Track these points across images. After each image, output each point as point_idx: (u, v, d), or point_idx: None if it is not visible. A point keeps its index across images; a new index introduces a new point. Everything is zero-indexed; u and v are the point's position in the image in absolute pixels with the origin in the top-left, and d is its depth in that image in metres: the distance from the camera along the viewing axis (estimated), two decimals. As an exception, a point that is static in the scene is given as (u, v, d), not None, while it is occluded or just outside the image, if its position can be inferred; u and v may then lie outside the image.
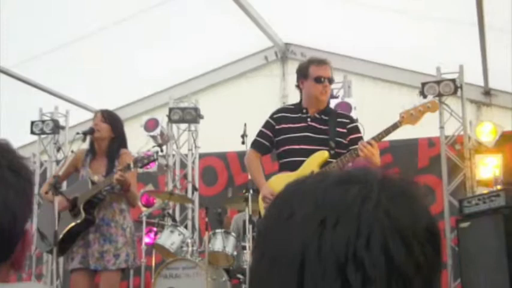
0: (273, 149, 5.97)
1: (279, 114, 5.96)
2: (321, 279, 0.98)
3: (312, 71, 5.78)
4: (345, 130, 5.68)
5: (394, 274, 0.98)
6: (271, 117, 6.03)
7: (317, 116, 5.77)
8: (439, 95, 8.88)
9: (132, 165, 6.00)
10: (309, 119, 5.75)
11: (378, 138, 5.40)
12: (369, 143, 5.32)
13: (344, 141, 5.62)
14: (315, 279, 0.99)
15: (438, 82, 8.89)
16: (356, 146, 5.36)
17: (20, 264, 1.46)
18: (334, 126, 5.68)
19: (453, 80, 8.88)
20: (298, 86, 5.98)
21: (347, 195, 1.02)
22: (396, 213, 1.01)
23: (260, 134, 6.06)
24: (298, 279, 1.00)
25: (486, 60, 8.90)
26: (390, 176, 1.08)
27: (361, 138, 5.64)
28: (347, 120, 5.82)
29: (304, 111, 5.82)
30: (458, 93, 8.98)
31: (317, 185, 1.06)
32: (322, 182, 1.06)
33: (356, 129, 5.78)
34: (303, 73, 5.89)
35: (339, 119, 5.75)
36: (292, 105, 6.14)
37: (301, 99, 5.96)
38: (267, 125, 6.02)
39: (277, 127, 5.88)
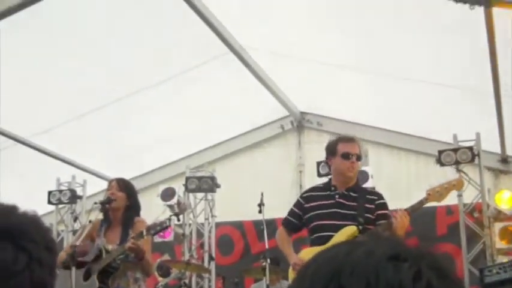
0: (303, 227, 5.98)
1: (308, 194, 6.06)
2: None
3: (340, 148, 5.87)
4: (373, 206, 5.68)
5: None
6: (301, 196, 6.15)
7: (345, 192, 5.80)
8: (456, 162, 8.85)
9: (145, 233, 5.95)
10: (337, 196, 5.79)
11: (411, 209, 5.45)
12: (406, 211, 5.36)
13: (372, 217, 5.61)
14: None
15: (455, 150, 8.88)
16: (384, 222, 5.42)
17: None
18: (363, 203, 5.69)
19: (470, 148, 8.87)
20: (327, 163, 6.23)
21: (399, 273, 0.99)
22: None
23: (290, 212, 6.16)
24: None
25: (503, 127, 8.89)
26: (434, 253, 1.06)
27: (388, 215, 5.62)
28: (375, 197, 5.84)
29: (333, 188, 5.87)
30: (476, 160, 8.95)
31: (367, 261, 1.01)
32: (371, 256, 1.02)
33: (384, 206, 5.79)
34: (331, 150, 5.97)
35: (368, 196, 5.81)
36: (322, 184, 6.21)
37: (330, 178, 6.05)
38: (296, 204, 6.10)
39: (305, 205, 5.91)
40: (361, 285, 0.98)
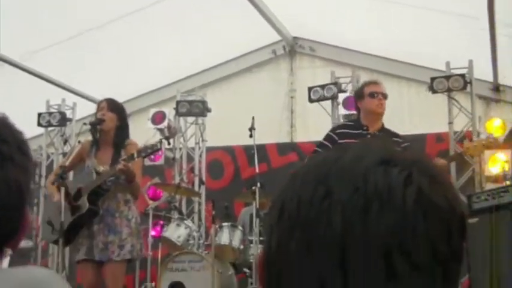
0: None
1: (341, 130, 6.33)
2: (365, 265, 0.94)
3: (366, 89, 6.31)
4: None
5: (437, 261, 0.97)
6: (332, 131, 6.43)
7: (376, 133, 6.16)
8: (448, 90, 8.83)
9: (136, 155, 5.94)
10: (368, 136, 6.06)
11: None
12: None
13: None
14: (358, 265, 0.94)
15: (447, 77, 8.84)
16: None
17: (16, 244, 1.44)
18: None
19: (463, 76, 8.83)
20: (356, 108, 6.54)
21: (389, 178, 0.98)
22: (437, 200, 0.98)
23: (320, 145, 6.30)
24: (340, 264, 0.95)
25: (496, 55, 8.83)
26: (426, 159, 1.04)
27: None
28: (400, 140, 6.14)
29: (365, 128, 6.23)
30: (468, 88, 8.92)
31: (356, 165, 1.00)
32: (360, 161, 1.00)
33: (407, 148, 5.97)
34: (358, 94, 6.45)
35: (394, 138, 6.11)
36: (351, 121, 6.68)
37: (358, 117, 6.45)
38: (328, 138, 6.31)
39: (340, 141, 6.08)
40: (349, 189, 0.97)
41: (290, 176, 1.07)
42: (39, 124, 10.47)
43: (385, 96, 6.28)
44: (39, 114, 10.45)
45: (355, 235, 0.95)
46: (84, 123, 6.34)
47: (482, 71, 9.29)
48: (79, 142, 6.32)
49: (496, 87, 10.06)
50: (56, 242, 6.12)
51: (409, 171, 0.99)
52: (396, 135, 6.33)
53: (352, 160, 1.01)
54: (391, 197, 0.96)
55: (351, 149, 1.04)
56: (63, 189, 5.88)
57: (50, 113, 10.48)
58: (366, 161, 1.00)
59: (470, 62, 8.92)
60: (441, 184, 1.01)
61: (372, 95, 6.23)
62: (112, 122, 6.27)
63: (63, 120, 10.45)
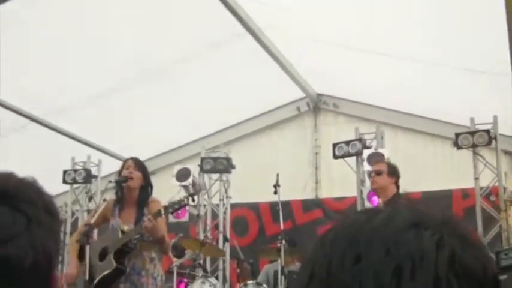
0: None
1: None
2: None
3: None
4: None
5: None
6: None
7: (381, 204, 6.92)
8: (473, 145, 8.80)
9: (162, 211, 5.93)
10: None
11: None
12: None
13: None
14: None
15: (472, 133, 8.81)
16: None
17: None
18: None
19: (487, 131, 8.80)
20: None
21: (421, 241, 0.96)
22: (469, 263, 0.96)
23: None
24: None
25: (520, 111, 8.82)
26: (456, 220, 1.03)
27: None
28: None
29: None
30: (493, 144, 8.87)
31: (386, 228, 0.98)
32: (391, 223, 0.99)
33: None
34: None
35: None
36: None
37: None
38: None
39: None
40: (381, 254, 0.95)
41: (319, 238, 1.06)
42: (64, 181, 10.53)
43: (377, 173, 7.05)
44: (65, 172, 10.52)
45: None
46: (110, 181, 6.35)
47: (507, 127, 9.26)
48: (104, 200, 6.32)
49: (522, 143, 10.02)
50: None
51: (441, 234, 0.97)
52: None
53: (383, 223, 0.99)
54: (423, 260, 0.94)
55: (381, 211, 1.03)
56: (87, 247, 5.88)
57: (75, 170, 10.54)
58: (397, 223, 0.98)
59: (495, 117, 8.89)
60: (473, 245, 0.99)
61: (368, 175, 7.43)
62: (138, 180, 6.29)
63: (88, 177, 10.50)
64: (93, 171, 10.69)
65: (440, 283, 0.93)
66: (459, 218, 1.05)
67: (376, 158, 7.52)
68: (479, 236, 0.94)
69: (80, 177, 10.48)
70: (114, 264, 5.97)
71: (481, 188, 8.98)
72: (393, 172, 7.29)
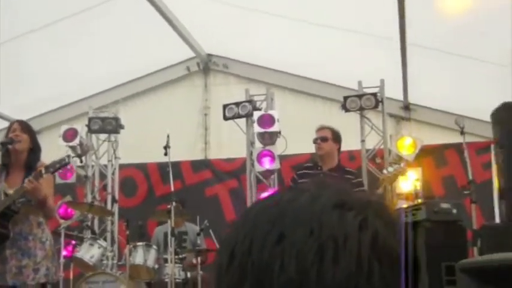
0: None
1: (302, 171, 7.45)
2: None
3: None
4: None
5: None
6: (296, 173, 7.57)
7: (327, 172, 7.14)
8: (361, 108, 8.98)
9: (43, 171, 5.78)
10: (321, 175, 7.00)
11: None
12: None
13: None
14: None
15: (360, 96, 8.98)
16: None
17: None
18: (342, 181, 6.64)
19: (374, 94, 8.99)
20: None
21: (344, 222, 0.95)
22: (392, 244, 0.96)
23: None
24: None
25: (406, 75, 9.05)
26: (380, 201, 1.03)
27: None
28: (352, 177, 7.15)
29: (319, 168, 7.39)
30: (379, 107, 9.08)
31: (310, 208, 0.97)
32: (315, 203, 0.98)
33: (359, 184, 7.08)
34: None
35: (345, 175, 7.06)
36: (311, 163, 7.79)
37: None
38: (293, 180, 7.54)
39: (299, 181, 7.16)
40: (304, 233, 0.94)
41: (241, 215, 1.04)
42: None
43: (323, 139, 7.37)
44: None
45: (310, 281, 0.92)
46: (-4, 143, 6.13)
47: (393, 90, 9.50)
48: (-11, 164, 6.11)
49: (406, 106, 10.31)
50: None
51: (365, 215, 0.97)
52: (349, 172, 7.28)
53: (307, 202, 0.98)
54: (346, 242, 0.93)
55: (306, 190, 1.02)
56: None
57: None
58: (321, 203, 0.97)
59: (382, 81, 9.09)
60: (396, 227, 1.00)
61: (314, 141, 7.48)
62: (25, 143, 6.12)
63: (-31, 137, 10.10)
64: (-26, 130, 10.29)
65: (363, 264, 0.93)
66: (384, 199, 1.05)
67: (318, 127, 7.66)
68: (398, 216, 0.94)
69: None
70: (-4, 228, 5.80)
71: (367, 150, 9.20)
72: (337, 138, 7.50)
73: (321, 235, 0.94)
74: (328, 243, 0.93)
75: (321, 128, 7.60)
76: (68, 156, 6.01)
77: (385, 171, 7.02)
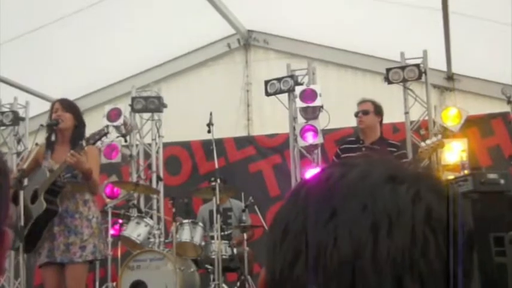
0: None
1: (344, 146, 7.58)
2: None
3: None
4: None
5: (448, 281, 0.93)
6: (339, 148, 7.67)
7: (369, 146, 7.15)
8: (404, 80, 8.88)
9: (84, 144, 5.86)
10: (363, 149, 7.10)
11: None
12: None
13: None
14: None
15: (402, 68, 8.88)
16: None
17: (1, 266, 1.38)
18: (384, 154, 6.75)
19: (417, 66, 8.87)
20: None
21: (397, 196, 0.94)
22: (446, 216, 0.95)
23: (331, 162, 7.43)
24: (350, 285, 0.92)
25: (449, 45, 8.92)
26: (432, 175, 1.01)
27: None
28: (394, 149, 7.13)
29: (361, 142, 7.42)
30: (423, 78, 8.97)
31: (362, 183, 0.96)
32: (366, 178, 0.97)
33: (402, 156, 7.02)
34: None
35: (388, 148, 7.07)
36: (353, 137, 7.81)
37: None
38: (336, 154, 7.62)
39: (342, 156, 7.29)
40: (357, 209, 0.93)
41: (292, 192, 1.03)
42: (-10, 124, 10.25)
43: (365, 112, 7.36)
44: (-9, 114, 10.23)
45: (365, 257, 0.91)
46: (41, 125, 6.22)
47: (437, 61, 9.37)
48: (36, 144, 6.19)
49: (450, 77, 10.18)
50: (17, 249, 5.97)
51: (417, 189, 0.95)
52: (392, 144, 7.23)
53: (358, 177, 0.97)
54: (400, 216, 0.92)
55: (356, 165, 1.01)
56: (21, 194, 5.78)
57: (2, 113, 10.25)
58: (373, 178, 0.97)
59: (425, 52, 8.97)
60: (452, 201, 0.98)
61: (356, 114, 7.51)
62: (69, 121, 6.20)
63: (16, 119, 10.23)
64: (21, 112, 10.42)
65: (417, 238, 0.92)
66: (435, 172, 1.04)
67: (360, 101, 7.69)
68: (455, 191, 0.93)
69: (8, 119, 10.19)
70: (45, 205, 5.90)
71: (411, 122, 9.11)
72: (379, 111, 7.49)
73: (374, 210, 0.93)
74: (382, 219, 0.92)
75: (363, 101, 7.60)
76: (106, 126, 6.15)
77: (423, 143, 6.97)
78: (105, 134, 6.14)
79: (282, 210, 1.03)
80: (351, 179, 0.98)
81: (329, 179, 1.00)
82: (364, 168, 0.99)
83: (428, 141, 6.88)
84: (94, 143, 6.11)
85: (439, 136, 7.28)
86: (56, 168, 5.97)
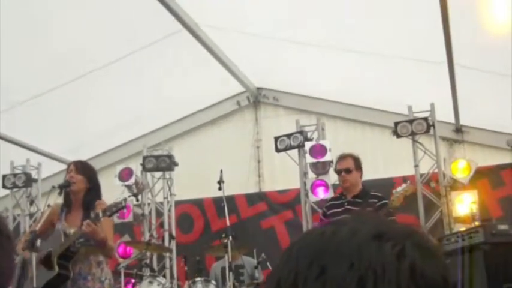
0: None
1: (329, 203, 7.62)
2: None
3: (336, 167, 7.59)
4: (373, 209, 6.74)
5: None
6: (325, 205, 7.69)
7: (351, 200, 7.23)
8: (412, 133, 8.93)
9: (101, 215, 5.89)
10: (346, 203, 7.24)
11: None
12: None
13: None
14: None
15: (411, 121, 8.95)
16: None
17: None
18: (366, 207, 6.78)
19: (425, 119, 8.94)
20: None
21: (382, 253, 0.98)
22: (430, 273, 0.99)
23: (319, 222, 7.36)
24: None
25: (456, 97, 8.98)
26: (419, 232, 1.06)
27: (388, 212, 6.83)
28: (376, 200, 7.12)
29: (343, 197, 7.44)
30: (431, 131, 9.03)
31: (350, 240, 1.01)
32: (355, 236, 1.01)
33: (383, 206, 6.96)
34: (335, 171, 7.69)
35: (370, 200, 7.12)
36: (339, 194, 7.81)
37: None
38: (322, 213, 7.68)
39: (327, 213, 7.42)
40: (344, 266, 0.98)
41: (286, 249, 1.08)
42: (4, 186, 10.33)
43: (347, 171, 7.33)
44: (4, 176, 10.32)
45: None
46: (53, 186, 6.27)
47: (444, 114, 9.43)
48: (48, 206, 6.23)
49: (458, 129, 10.21)
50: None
51: (402, 246, 0.99)
52: (374, 196, 7.19)
53: (347, 235, 1.02)
54: (385, 272, 0.96)
55: (346, 223, 1.05)
56: (33, 256, 5.80)
57: (15, 174, 10.35)
58: (360, 236, 1.01)
59: (432, 105, 9.05)
60: (434, 256, 1.02)
61: (338, 173, 7.52)
62: (81, 184, 6.24)
63: (28, 180, 10.33)
64: (33, 174, 10.52)
65: None
66: (423, 229, 1.08)
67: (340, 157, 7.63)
68: (439, 245, 0.96)
69: (20, 181, 10.30)
70: (57, 269, 5.91)
71: (421, 175, 9.12)
72: (358, 165, 7.50)
73: (361, 267, 0.97)
74: (368, 275, 0.96)
75: (342, 158, 7.54)
76: (124, 199, 6.09)
77: (394, 191, 7.04)
78: (123, 208, 6.16)
79: (276, 267, 1.07)
80: (340, 237, 1.02)
81: (320, 237, 1.04)
82: (352, 226, 1.04)
83: (399, 189, 7.00)
84: (110, 215, 6.15)
85: (408, 182, 7.38)
86: (71, 234, 6.00)
